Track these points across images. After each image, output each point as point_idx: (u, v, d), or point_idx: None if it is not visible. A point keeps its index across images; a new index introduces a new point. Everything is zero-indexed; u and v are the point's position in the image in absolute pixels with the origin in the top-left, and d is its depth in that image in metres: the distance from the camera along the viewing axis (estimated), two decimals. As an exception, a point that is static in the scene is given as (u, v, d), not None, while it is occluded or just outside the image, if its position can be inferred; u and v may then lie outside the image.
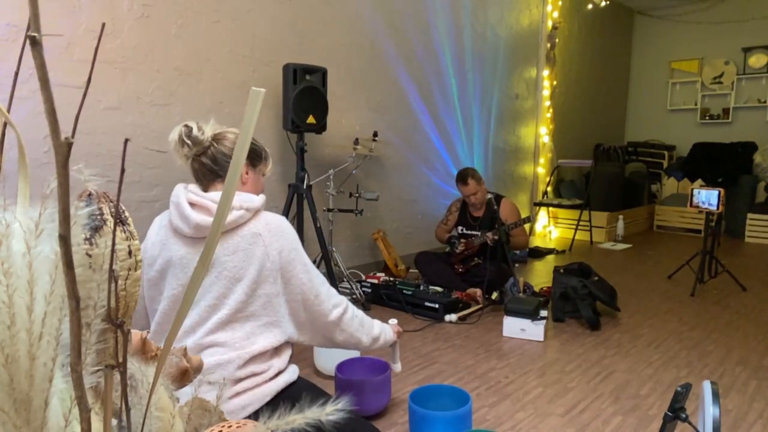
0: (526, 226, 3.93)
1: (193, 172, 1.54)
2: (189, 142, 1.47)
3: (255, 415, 1.41)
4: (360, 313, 1.64)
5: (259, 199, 1.49)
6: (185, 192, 1.47)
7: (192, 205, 1.45)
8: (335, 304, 1.55)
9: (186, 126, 1.48)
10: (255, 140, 1.58)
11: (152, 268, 1.52)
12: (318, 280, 1.53)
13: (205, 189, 1.54)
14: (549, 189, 6.20)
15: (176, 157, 1.50)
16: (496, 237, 3.58)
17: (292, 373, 1.53)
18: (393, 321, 1.91)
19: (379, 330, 1.71)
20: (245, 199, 1.45)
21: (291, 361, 1.57)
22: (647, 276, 4.42)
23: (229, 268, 1.42)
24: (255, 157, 1.58)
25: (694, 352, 2.75)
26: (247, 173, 1.56)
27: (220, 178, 1.51)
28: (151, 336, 1.52)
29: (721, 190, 3.81)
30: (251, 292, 1.43)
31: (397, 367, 1.96)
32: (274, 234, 1.46)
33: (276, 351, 1.51)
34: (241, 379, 1.42)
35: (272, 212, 1.54)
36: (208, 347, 1.42)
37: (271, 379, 1.47)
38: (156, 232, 1.54)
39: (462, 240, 3.84)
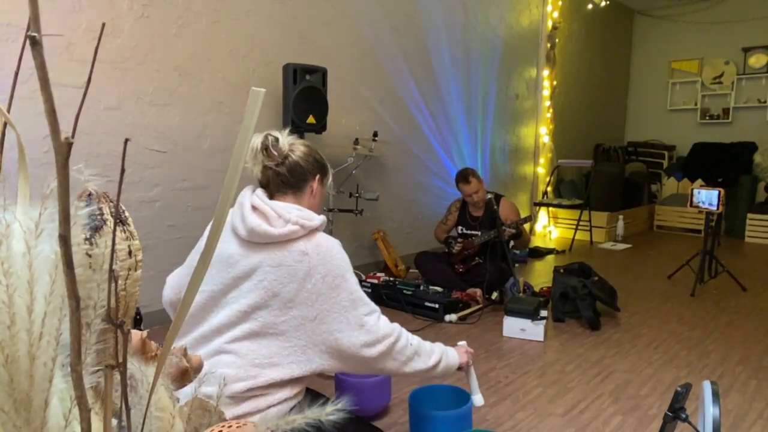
0: (526, 226, 3.93)
1: (263, 179, 1.51)
2: (275, 152, 1.46)
3: None
4: (416, 340, 1.54)
5: (318, 219, 1.45)
6: (251, 195, 1.46)
7: (254, 208, 1.44)
8: (386, 333, 1.45)
9: (272, 136, 1.47)
10: (322, 155, 1.57)
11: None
12: (364, 309, 1.44)
13: (271, 196, 1.51)
14: (549, 189, 6.20)
15: (250, 163, 1.48)
16: (513, 230, 3.58)
17: (298, 398, 1.46)
18: (462, 343, 1.73)
19: (438, 356, 1.59)
20: (304, 216, 1.42)
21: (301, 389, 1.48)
22: (647, 276, 4.42)
23: (269, 279, 1.38)
24: (324, 171, 1.55)
25: (694, 352, 2.75)
26: (317, 187, 1.54)
27: (290, 189, 1.49)
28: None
29: (721, 190, 3.81)
30: (286, 310, 1.39)
31: (478, 399, 1.73)
32: (322, 257, 1.41)
33: (293, 381, 1.43)
34: (243, 399, 1.37)
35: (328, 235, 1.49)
36: (228, 353, 1.39)
37: (275, 405, 1.41)
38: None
39: (459, 240, 3.84)
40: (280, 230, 1.39)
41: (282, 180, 1.49)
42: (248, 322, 1.40)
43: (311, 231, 1.43)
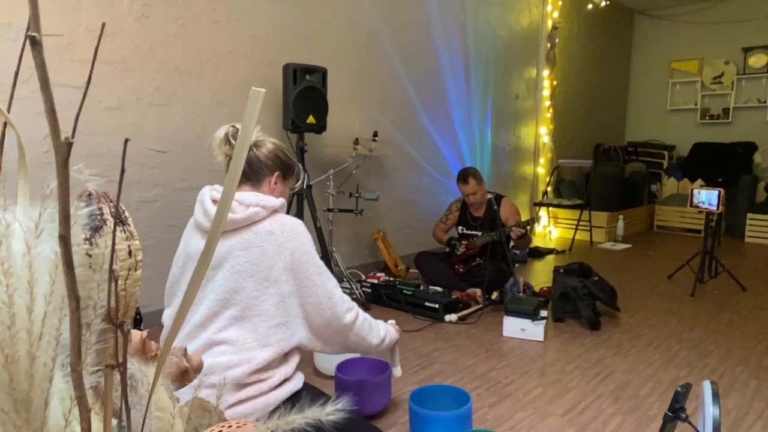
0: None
1: (226, 168, 1.59)
2: (234, 142, 1.53)
3: None
4: (367, 315, 1.65)
5: (278, 201, 1.52)
6: (210, 190, 1.54)
7: (215, 202, 1.52)
8: (349, 307, 1.56)
9: (234, 127, 1.54)
10: (290, 155, 1.64)
11: (176, 265, 1.58)
12: (331, 282, 1.53)
13: None
14: (549, 189, 6.20)
15: (216, 153, 1.56)
16: (523, 231, 3.56)
17: (297, 381, 1.53)
18: (391, 321, 1.89)
19: (384, 330, 1.72)
20: (263, 199, 1.49)
21: (297, 367, 1.57)
22: (647, 276, 4.42)
23: (241, 262, 1.44)
24: (287, 170, 1.63)
25: (694, 352, 2.75)
26: (275, 183, 1.60)
27: (249, 181, 1.56)
28: (165, 330, 1.56)
29: (721, 190, 3.81)
30: (263, 289, 1.45)
31: (398, 371, 1.93)
32: (287, 234, 1.48)
33: (284, 357, 1.51)
34: (246, 385, 1.42)
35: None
36: (219, 344, 1.44)
37: (276, 387, 1.47)
38: (184, 233, 1.62)
39: (463, 242, 3.84)
40: (243, 214, 1.46)
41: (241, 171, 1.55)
42: (230, 309, 1.45)
43: (273, 211, 1.51)
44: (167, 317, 1.60)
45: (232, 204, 1.46)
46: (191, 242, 1.55)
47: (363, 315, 1.62)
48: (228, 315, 1.45)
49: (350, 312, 1.56)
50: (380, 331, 1.69)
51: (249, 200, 1.47)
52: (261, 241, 1.45)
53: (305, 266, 1.48)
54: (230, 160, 1.55)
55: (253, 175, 1.56)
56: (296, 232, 1.50)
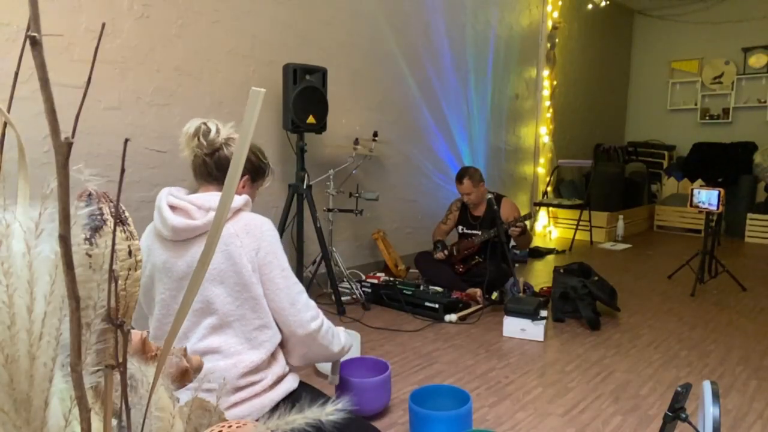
0: (527, 223, 3.92)
1: (193, 167, 1.51)
2: (204, 141, 1.45)
3: None
4: (330, 323, 1.58)
5: (240, 199, 1.44)
6: (167, 195, 1.44)
7: (172, 208, 1.42)
8: (313, 316, 1.47)
9: (206, 125, 1.46)
10: (263, 156, 1.57)
11: (143, 275, 1.50)
12: (296, 288, 1.45)
13: (198, 189, 1.52)
14: (549, 189, 6.20)
15: (184, 147, 1.47)
16: (520, 227, 3.55)
17: (292, 381, 1.49)
18: (341, 328, 1.76)
19: (344, 338, 1.63)
20: None
21: (290, 366, 1.53)
22: (647, 276, 4.42)
23: (209, 270, 1.37)
24: (257, 173, 1.56)
25: (694, 352, 2.75)
26: (243, 186, 1.53)
27: (216, 181, 1.48)
28: (153, 335, 1.53)
29: (721, 190, 3.81)
30: (237, 294, 1.39)
31: (336, 379, 1.82)
32: (251, 234, 1.41)
33: (273, 356, 1.46)
34: (239, 388, 1.39)
35: (258, 214, 1.49)
36: (204, 354, 1.40)
37: (271, 387, 1.44)
38: (144, 238, 1.52)
39: (444, 251, 3.81)
40: (203, 220, 1.38)
41: (207, 170, 1.48)
42: (207, 318, 1.40)
43: (235, 212, 1.43)
44: (152, 326, 1.54)
45: (190, 209, 1.40)
46: (154, 253, 1.46)
47: (327, 323, 1.53)
48: (206, 324, 1.40)
49: (315, 321, 1.46)
50: (341, 338, 1.60)
51: (209, 204, 1.40)
52: (225, 244, 1.38)
53: (269, 267, 1.41)
54: (197, 156, 1.48)
55: (220, 175, 1.46)
56: (261, 231, 1.42)
